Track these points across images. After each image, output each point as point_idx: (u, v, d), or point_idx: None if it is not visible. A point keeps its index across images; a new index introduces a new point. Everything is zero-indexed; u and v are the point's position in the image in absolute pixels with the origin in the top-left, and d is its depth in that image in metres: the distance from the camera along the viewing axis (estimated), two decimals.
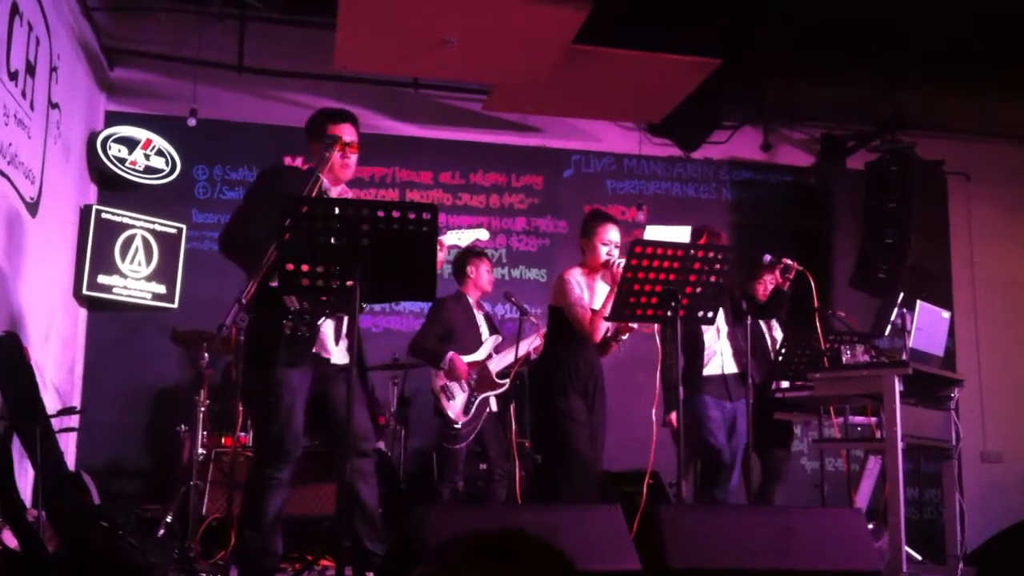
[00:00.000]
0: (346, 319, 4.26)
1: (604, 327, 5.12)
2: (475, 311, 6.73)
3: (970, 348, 9.28)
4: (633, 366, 7.08)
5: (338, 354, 4.30)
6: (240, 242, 4.16)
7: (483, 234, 4.76)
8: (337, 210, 3.75)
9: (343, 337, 4.30)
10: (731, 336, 6.03)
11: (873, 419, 6.45)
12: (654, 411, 5.29)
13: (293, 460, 4.18)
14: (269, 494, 4.14)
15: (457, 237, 4.64)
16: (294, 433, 4.15)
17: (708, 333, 5.92)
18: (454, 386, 6.49)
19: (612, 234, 5.25)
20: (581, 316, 5.10)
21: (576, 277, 5.22)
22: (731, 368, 5.98)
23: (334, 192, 4.38)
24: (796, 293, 6.18)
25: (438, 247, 4.12)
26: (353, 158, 4.38)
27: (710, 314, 4.71)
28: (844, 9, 7.16)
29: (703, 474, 6.01)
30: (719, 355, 5.97)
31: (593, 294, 5.21)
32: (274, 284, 3.93)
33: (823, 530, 3.81)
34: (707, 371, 5.91)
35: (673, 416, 6.02)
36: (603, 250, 5.20)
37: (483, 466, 6.78)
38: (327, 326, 4.25)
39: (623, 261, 4.94)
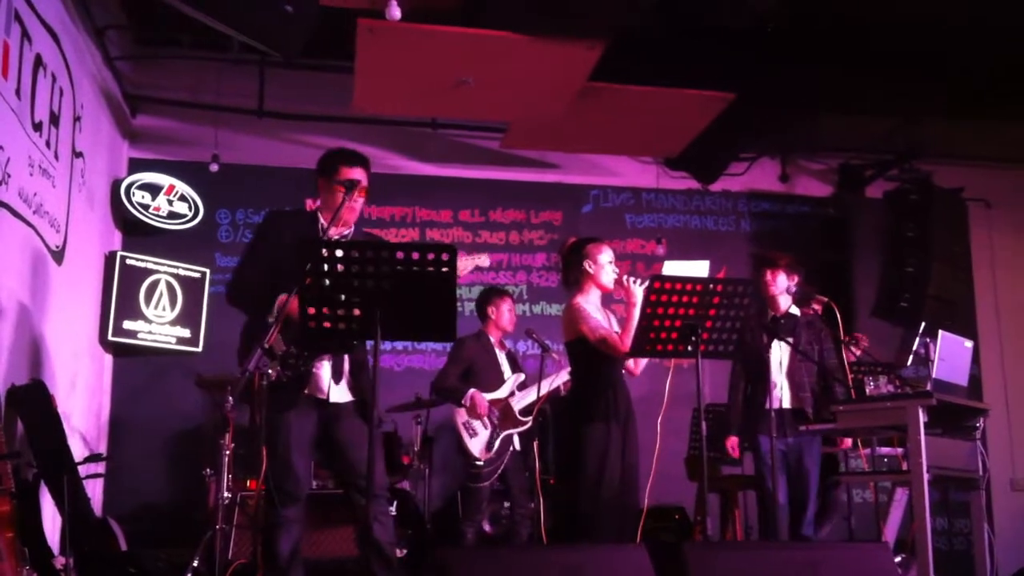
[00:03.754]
0: (347, 357, 4.31)
1: (630, 336, 4.87)
2: (496, 350, 6.74)
3: (996, 375, 9.21)
4: (657, 400, 7.07)
5: (337, 393, 4.31)
6: (241, 291, 4.36)
7: (483, 261, 4.58)
8: (356, 253, 3.78)
9: (345, 375, 4.32)
10: (790, 370, 5.95)
11: (900, 450, 6.40)
12: (659, 420, 5.23)
13: (297, 499, 4.25)
14: (279, 533, 4.22)
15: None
16: (293, 475, 4.21)
17: (772, 365, 5.85)
18: (476, 423, 6.49)
19: (611, 254, 5.18)
20: (606, 336, 4.96)
21: (584, 303, 5.09)
22: (788, 403, 5.91)
23: (334, 231, 4.37)
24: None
25: None
26: (360, 201, 4.39)
27: (730, 348, 4.69)
28: (860, 40, 7.18)
29: (761, 517, 6.00)
30: (779, 388, 5.91)
31: (608, 317, 5.15)
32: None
33: (849, 565, 3.77)
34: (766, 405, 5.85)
35: (731, 442, 6.10)
36: (611, 268, 5.11)
37: (507, 504, 6.77)
38: (324, 367, 4.28)
39: (636, 278, 4.96)
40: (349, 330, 3.82)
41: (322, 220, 4.37)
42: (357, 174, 4.37)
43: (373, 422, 3.89)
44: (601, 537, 4.80)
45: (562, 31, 6.35)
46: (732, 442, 6.11)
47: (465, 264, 4.44)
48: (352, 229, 4.47)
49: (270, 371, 4.11)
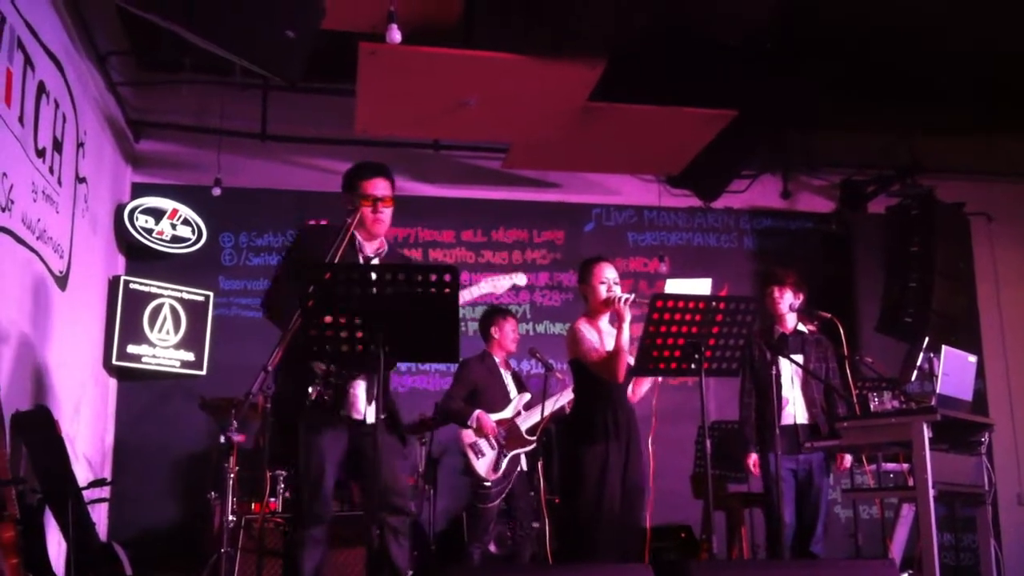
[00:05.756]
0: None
1: (625, 365, 4.87)
2: (501, 370, 6.75)
3: (1002, 390, 9.19)
4: (662, 419, 7.06)
5: (372, 414, 4.24)
6: (273, 306, 4.34)
7: (520, 279, 4.71)
8: (359, 275, 3.78)
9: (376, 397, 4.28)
10: (804, 385, 5.93)
11: (906, 466, 6.37)
12: (650, 439, 5.19)
13: (323, 520, 4.20)
14: (304, 552, 4.17)
15: (492, 285, 4.59)
16: (323, 496, 4.16)
17: (784, 380, 5.85)
18: (483, 443, 6.49)
19: (608, 272, 5.09)
20: (597, 359, 4.94)
21: (584, 324, 5.08)
22: (803, 418, 5.88)
23: (369, 247, 4.39)
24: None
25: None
26: (386, 212, 4.37)
27: (733, 366, 4.68)
28: (859, 56, 7.21)
29: (769, 535, 5.96)
30: (792, 403, 5.88)
31: (603, 336, 5.08)
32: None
33: None
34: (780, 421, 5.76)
35: (751, 460, 5.99)
36: (602, 289, 5.03)
37: (512, 524, 6.75)
38: (359, 387, 4.25)
39: (625, 295, 4.90)
40: (352, 352, 3.81)
41: (359, 237, 4.36)
42: (375, 186, 4.36)
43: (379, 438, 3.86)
44: (602, 557, 4.77)
45: (557, 51, 6.37)
46: (752, 460, 5.98)
47: (503, 283, 4.55)
48: (386, 248, 4.46)
49: (310, 390, 4.10)
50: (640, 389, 5.16)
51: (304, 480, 4.16)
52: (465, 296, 4.36)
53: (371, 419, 4.24)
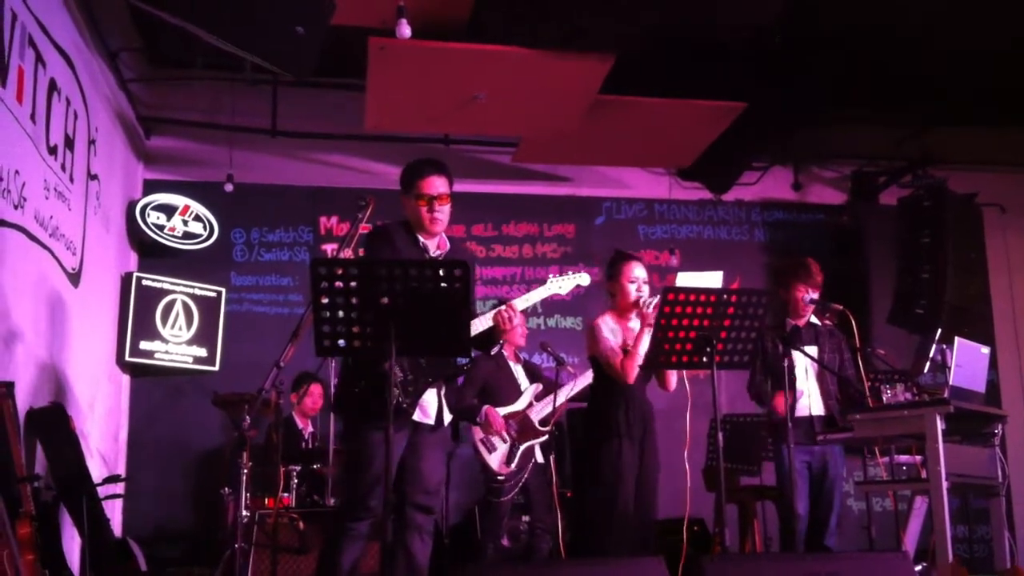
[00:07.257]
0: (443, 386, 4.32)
1: (637, 367, 4.88)
2: (511, 363, 6.74)
3: (1015, 381, 9.16)
4: (674, 413, 7.06)
5: (447, 418, 4.35)
6: None
7: (584, 279, 4.75)
8: (371, 270, 3.77)
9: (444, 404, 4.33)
10: (819, 376, 5.86)
11: (919, 458, 6.35)
12: (686, 453, 5.17)
13: (374, 516, 4.17)
14: (346, 545, 4.17)
15: (558, 286, 4.62)
16: (379, 492, 4.11)
17: (798, 372, 5.78)
18: (494, 438, 6.49)
19: (638, 271, 5.06)
20: (612, 360, 4.95)
21: (606, 323, 5.06)
22: (818, 410, 5.81)
23: (432, 245, 4.36)
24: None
25: (513, 312, 4.29)
26: (443, 211, 4.32)
27: (745, 359, 4.66)
28: (863, 54, 7.18)
29: (781, 530, 5.93)
30: (807, 395, 5.81)
31: (629, 335, 5.04)
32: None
33: (869, 575, 3.76)
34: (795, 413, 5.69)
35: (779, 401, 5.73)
36: (631, 288, 5.01)
37: (526, 519, 6.74)
38: (432, 393, 4.26)
39: (654, 300, 4.82)
40: (364, 347, 3.81)
41: (421, 238, 4.33)
42: (435, 184, 4.31)
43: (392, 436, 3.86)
44: (616, 553, 4.76)
45: (564, 46, 6.36)
46: (779, 401, 5.70)
47: (567, 283, 4.60)
48: (448, 245, 4.43)
49: (394, 396, 4.09)
50: (671, 380, 5.14)
51: (365, 473, 4.14)
52: (533, 297, 4.42)
53: (446, 422, 4.35)
